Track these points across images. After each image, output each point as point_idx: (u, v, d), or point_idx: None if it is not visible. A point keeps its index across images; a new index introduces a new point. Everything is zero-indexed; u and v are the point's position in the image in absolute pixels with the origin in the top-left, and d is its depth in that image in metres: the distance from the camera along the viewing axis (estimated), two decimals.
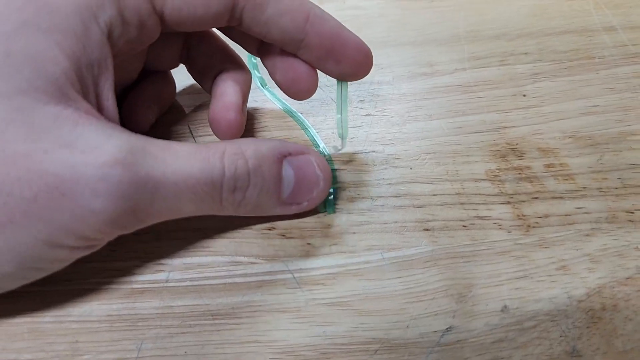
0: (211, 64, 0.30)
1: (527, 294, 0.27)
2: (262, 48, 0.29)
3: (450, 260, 0.28)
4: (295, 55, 0.27)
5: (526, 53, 0.38)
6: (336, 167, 0.32)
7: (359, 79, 0.28)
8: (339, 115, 0.29)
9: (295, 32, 0.26)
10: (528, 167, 0.32)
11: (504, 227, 0.29)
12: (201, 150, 0.23)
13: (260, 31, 0.26)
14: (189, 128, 0.34)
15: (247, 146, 0.25)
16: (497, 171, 0.31)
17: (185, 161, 0.23)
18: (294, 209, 0.27)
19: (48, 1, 0.22)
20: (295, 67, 0.27)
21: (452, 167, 0.32)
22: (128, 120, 0.30)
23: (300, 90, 0.28)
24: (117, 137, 0.22)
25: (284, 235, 0.29)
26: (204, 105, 0.36)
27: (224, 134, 0.29)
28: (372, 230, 0.29)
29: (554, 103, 0.35)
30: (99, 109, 0.23)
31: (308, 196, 0.27)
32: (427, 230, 0.29)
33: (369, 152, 0.33)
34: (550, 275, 0.27)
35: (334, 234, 0.29)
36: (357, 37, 0.27)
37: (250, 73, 0.31)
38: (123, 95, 0.31)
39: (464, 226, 0.29)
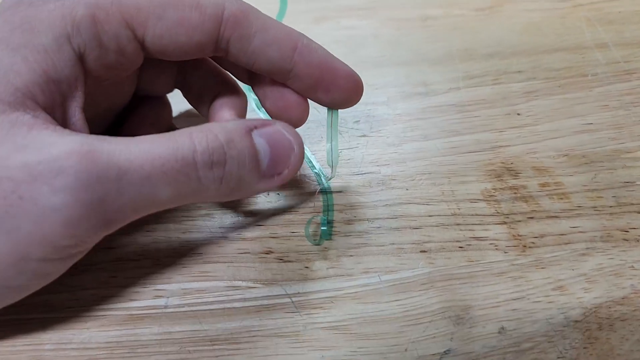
0: (207, 89, 0.31)
1: (524, 315, 0.27)
2: (253, 76, 0.28)
3: (447, 282, 0.28)
4: (285, 85, 0.27)
5: (520, 71, 0.39)
6: (332, 189, 0.32)
7: (350, 107, 0.28)
8: (329, 144, 0.29)
9: (283, 63, 0.25)
10: (523, 187, 0.32)
11: (500, 247, 0.29)
12: (166, 135, 0.23)
13: (248, 62, 0.26)
14: None
15: (212, 125, 0.24)
16: (493, 191, 0.32)
17: (150, 144, 0.22)
18: (276, 181, 0.26)
19: (26, 21, 0.22)
20: (285, 96, 0.27)
21: (448, 188, 0.32)
22: None
23: (290, 119, 0.27)
24: (74, 135, 0.21)
25: (281, 259, 0.29)
26: None
27: None
28: (370, 253, 0.29)
29: (548, 121, 0.35)
30: (64, 125, 0.23)
31: (286, 163, 0.26)
32: (424, 252, 0.29)
33: (365, 173, 0.33)
34: (547, 296, 0.27)
35: (332, 257, 0.29)
36: (347, 65, 0.27)
37: (246, 96, 0.31)
38: (120, 121, 0.31)
39: (460, 247, 0.29)
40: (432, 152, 0.34)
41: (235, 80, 0.31)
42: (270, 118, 0.31)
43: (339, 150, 0.32)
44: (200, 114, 0.32)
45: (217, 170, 0.23)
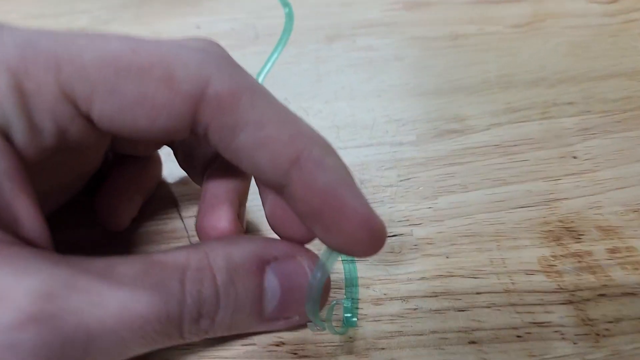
0: (200, 151, 0.24)
1: None
2: None
3: None
4: None
5: (571, 103, 0.33)
6: (355, 258, 0.26)
7: (360, 257, 0.21)
8: (310, 304, 0.20)
9: (275, 175, 0.18)
10: (588, 253, 0.26)
11: (568, 336, 0.24)
12: (154, 271, 0.18)
13: (232, 159, 0.19)
14: (177, 209, 0.28)
15: (215, 253, 0.19)
16: (552, 259, 0.26)
17: (131, 294, 0.17)
18: (281, 324, 0.22)
19: None
20: (287, 209, 0.20)
21: (497, 255, 0.26)
22: (105, 216, 0.25)
23: (291, 238, 0.21)
24: (35, 274, 0.16)
25: (295, 354, 0.23)
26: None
27: None
28: (406, 345, 0.23)
29: (610, 167, 0.30)
30: (16, 227, 0.18)
31: (299, 309, 0.21)
32: (473, 343, 0.23)
33: (394, 235, 0.27)
34: None
35: (359, 350, 0.23)
36: (363, 200, 0.18)
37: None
38: (95, 184, 0.25)
39: (518, 337, 0.23)
40: (474, 207, 0.28)
41: None
42: None
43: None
44: (193, 180, 0.26)
45: (204, 323, 0.19)
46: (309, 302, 0.20)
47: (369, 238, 0.18)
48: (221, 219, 0.22)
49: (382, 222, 0.18)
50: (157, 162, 0.28)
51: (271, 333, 0.23)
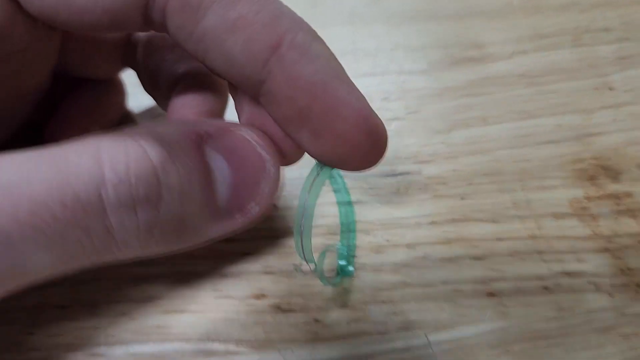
0: (165, 72, 0.20)
1: None
2: None
3: (528, 344, 0.19)
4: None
5: (607, 29, 0.28)
6: (353, 198, 0.22)
7: (352, 171, 0.17)
8: (298, 230, 0.17)
9: (250, 66, 0.15)
10: (628, 195, 0.22)
11: (603, 288, 0.20)
12: (53, 151, 0.13)
13: (195, 52, 0.15)
14: None
15: (139, 130, 0.15)
16: (586, 201, 0.22)
17: (16, 175, 0.13)
18: (239, 221, 0.17)
19: None
20: (264, 118, 0.16)
21: (522, 196, 0.22)
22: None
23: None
24: None
25: (279, 308, 0.20)
26: None
27: None
28: (411, 298, 0.20)
29: None
30: None
31: (255, 192, 0.16)
32: (492, 295, 0.20)
33: (400, 174, 0.23)
34: None
35: (354, 305, 0.20)
36: (360, 96, 0.15)
37: (226, 87, 0.20)
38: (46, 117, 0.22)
39: (545, 288, 0.20)
40: (494, 143, 0.24)
41: None
42: None
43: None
44: (158, 104, 0.22)
45: (145, 214, 0.14)
46: (296, 234, 0.16)
47: (367, 140, 0.15)
48: None
49: (382, 121, 0.15)
50: (119, 89, 0.24)
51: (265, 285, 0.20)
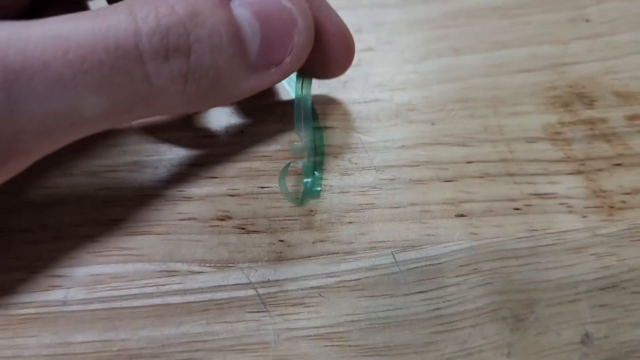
0: None
1: (620, 315, 0.18)
2: None
3: (498, 263, 0.19)
4: None
5: None
6: (321, 123, 0.22)
7: (328, 78, 0.21)
8: (303, 133, 0.20)
9: None
10: (603, 120, 0.22)
11: (576, 209, 0.20)
12: (89, 13, 0.15)
13: None
14: None
15: None
16: (560, 126, 0.22)
17: (63, 24, 0.14)
18: (275, 74, 0.18)
19: None
20: None
21: (494, 121, 0.22)
22: None
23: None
24: None
25: (243, 228, 0.19)
26: None
27: None
28: (378, 218, 0.19)
29: (629, 30, 0.25)
30: None
31: (287, 44, 0.18)
32: (461, 216, 0.19)
33: (371, 101, 0.22)
34: None
35: (320, 225, 0.19)
36: (337, 14, 0.20)
37: None
38: None
39: (516, 209, 0.19)
40: (468, 71, 0.23)
41: None
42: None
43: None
44: None
45: (178, 62, 0.16)
46: (297, 119, 0.19)
47: (344, 49, 0.20)
48: None
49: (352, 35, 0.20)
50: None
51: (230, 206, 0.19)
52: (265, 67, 0.18)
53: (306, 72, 0.20)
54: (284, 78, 0.18)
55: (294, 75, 0.20)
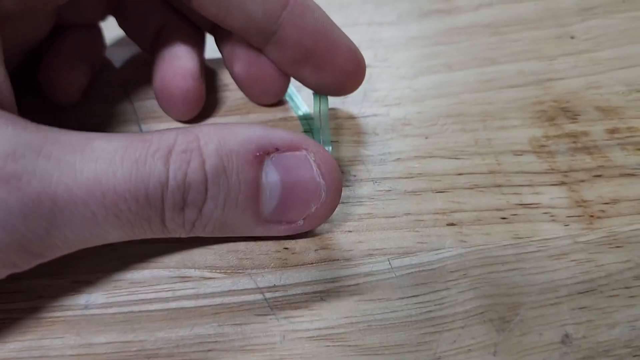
0: (149, 15, 0.22)
1: (597, 316, 0.19)
2: (219, 27, 0.21)
3: (486, 269, 0.20)
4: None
5: None
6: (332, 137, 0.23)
7: (342, 95, 0.23)
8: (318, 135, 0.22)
9: (266, 22, 0.19)
10: (585, 134, 0.23)
11: (559, 218, 0.21)
12: (136, 148, 0.16)
13: (217, 14, 0.19)
14: (126, 92, 0.25)
15: (208, 137, 0.17)
16: (545, 139, 0.23)
17: (105, 167, 0.15)
18: (282, 229, 0.19)
19: None
20: (262, 63, 0.22)
21: (483, 135, 0.23)
22: (52, 88, 0.23)
23: (264, 93, 0.22)
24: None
25: (250, 237, 0.20)
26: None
27: (178, 110, 0.22)
28: (375, 227, 0.21)
29: (611, 47, 0.27)
30: None
31: (304, 213, 0.18)
32: (452, 225, 0.21)
33: (368, 116, 0.24)
34: (628, 287, 0.19)
35: (322, 234, 0.21)
36: (348, 38, 0.21)
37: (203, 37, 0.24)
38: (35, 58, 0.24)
39: (503, 218, 0.21)
40: (459, 87, 0.25)
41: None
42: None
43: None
44: (140, 48, 0.24)
45: (190, 213, 0.17)
46: (316, 133, 0.22)
47: (356, 69, 0.21)
48: (187, 77, 0.21)
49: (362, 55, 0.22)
50: (98, 35, 0.26)
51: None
52: (276, 222, 0.19)
53: (320, 91, 0.22)
54: (293, 233, 0.19)
55: (297, 91, 0.22)
